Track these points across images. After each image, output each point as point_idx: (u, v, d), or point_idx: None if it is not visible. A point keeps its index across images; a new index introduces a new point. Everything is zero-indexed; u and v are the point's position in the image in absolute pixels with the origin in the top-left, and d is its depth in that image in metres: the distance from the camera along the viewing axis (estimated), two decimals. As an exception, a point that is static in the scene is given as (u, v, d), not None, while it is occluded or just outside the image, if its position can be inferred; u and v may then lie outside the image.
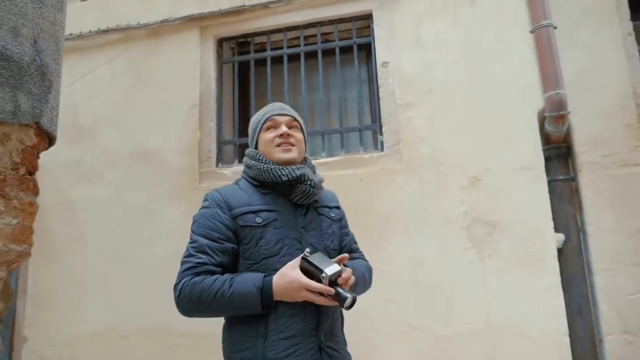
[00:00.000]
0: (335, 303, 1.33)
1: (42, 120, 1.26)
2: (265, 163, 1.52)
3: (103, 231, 3.42)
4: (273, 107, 1.65)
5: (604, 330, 2.65)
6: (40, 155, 1.29)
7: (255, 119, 1.66)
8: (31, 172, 1.25)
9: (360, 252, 1.74)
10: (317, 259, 1.34)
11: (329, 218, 1.61)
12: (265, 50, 3.62)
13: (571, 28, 2.99)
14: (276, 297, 1.36)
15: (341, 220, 1.70)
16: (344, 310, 1.53)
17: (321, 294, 1.32)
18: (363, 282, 1.59)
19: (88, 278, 3.38)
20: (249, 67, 3.62)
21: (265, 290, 1.35)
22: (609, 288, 2.68)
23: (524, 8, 3.06)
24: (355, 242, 1.75)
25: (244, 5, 3.51)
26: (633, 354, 2.57)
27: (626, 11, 2.98)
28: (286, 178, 1.49)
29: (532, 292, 2.71)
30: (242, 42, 3.76)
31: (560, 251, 2.78)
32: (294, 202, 1.53)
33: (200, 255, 1.41)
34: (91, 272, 3.39)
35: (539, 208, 2.81)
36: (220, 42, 3.69)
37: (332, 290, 1.29)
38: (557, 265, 2.73)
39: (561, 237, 2.80)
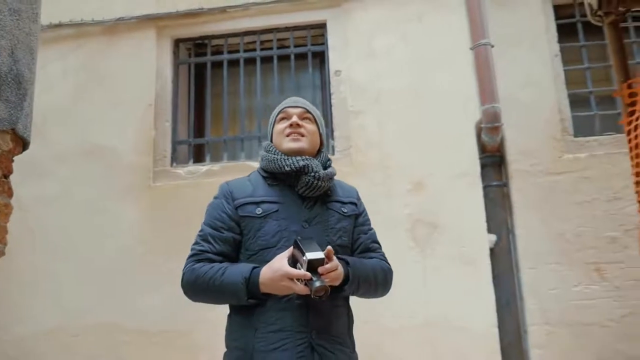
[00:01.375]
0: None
1: (18, 127, 1.33)
2: (274, 154, 1.54)
3: (53, 229, 3.38)
4: (288, 101, 1.67)
5: (528, 321, 2.94)
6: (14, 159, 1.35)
7: (272, 113, 1.68)
8: (6, 175, 1.31)
9: (380, 252, 1.63)
10: (306, 243, 1.31)
11: (339, 213, 1.55)
12: (222, 52, 3.70)
13: (506, 47, 3.28)
14: (264, 289, 1.36)
15: (357, 217, 1.61)
16: (353, 313, 1.56)
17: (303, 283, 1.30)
18: (373, 281, 1.51)
19: (37, 275, 3.34)
20: (206, 69, 3.69)
21: (252, 282, 1.36)
22: (533, 284, 2.98)
23: (466, 27, 3.31)
24: (376, 242, 1.64)
25: (202, 8, 3.57)
26: (552, 343, 2.88)
27: (554, 34, 3.32)
28: (289, 168, 1.48)
29: (466, 287, 2.96)
30: (198, 44, 3.82)
31: (492, 251, 3.05)
32: (301, 195, 1.51)
33: (203, 243, 1.47)
34: (40, 269, 3.34)
35: (475, 211, 3.07)
36: (177, 42, 3.73)
37: (308, 275, 1.26)
38: (489, 263, 3.00)
39: (493, 237, 3.07)
